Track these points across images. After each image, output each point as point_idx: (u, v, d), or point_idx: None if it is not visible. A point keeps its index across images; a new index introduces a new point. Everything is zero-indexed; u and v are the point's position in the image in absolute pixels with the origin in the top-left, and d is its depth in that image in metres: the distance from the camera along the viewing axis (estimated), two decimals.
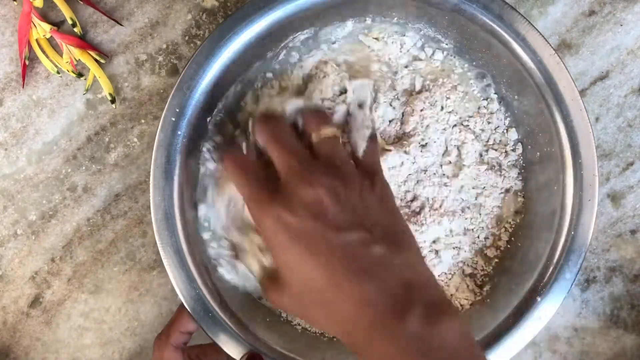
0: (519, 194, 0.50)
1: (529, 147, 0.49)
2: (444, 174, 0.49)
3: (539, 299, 0.45)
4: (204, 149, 0.45)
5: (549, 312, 0.45)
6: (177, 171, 0.44)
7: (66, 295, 0.54)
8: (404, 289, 0.34)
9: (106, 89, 0.52)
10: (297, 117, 0.42)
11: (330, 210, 0.35)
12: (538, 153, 0.48)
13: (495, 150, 0.50)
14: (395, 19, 0.48)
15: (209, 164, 0.45)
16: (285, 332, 0.49)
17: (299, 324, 0.50)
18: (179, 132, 0.44)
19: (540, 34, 0.44)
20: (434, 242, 0.49)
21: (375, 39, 0.49)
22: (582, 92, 0.52)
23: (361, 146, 0.41)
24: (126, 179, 0.53)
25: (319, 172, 0.36)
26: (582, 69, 0.54)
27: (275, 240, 0.36)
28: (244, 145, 0.42)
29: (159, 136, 0.43)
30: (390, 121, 0.49)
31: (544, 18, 0.53)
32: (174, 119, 0.43)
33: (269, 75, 0.48)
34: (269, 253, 0.41)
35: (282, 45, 0.48)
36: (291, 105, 0.42)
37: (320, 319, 0.36)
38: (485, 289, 0.49)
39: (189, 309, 0.44)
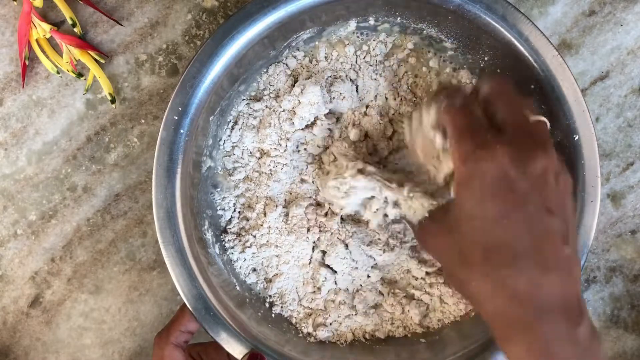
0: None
1: None
2: None
3: None
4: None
5: None
6: (179, 170, 0.44)
7: (66, 295, 0.54)
8: (577, 299, 0.33)
9: (106, 89, 0.52)
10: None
11: (549, 188, 0.34)
12: None
13: None
14: (399, 18, 0.48)
15: None
16: (286, 331, 0.49)
17: (299, 326, 0.50)
18: (182, 131, 0.44)
19: (544, 34, 0.44)
20: None
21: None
22: (582, 92, 0.52)
23: None
24: (126, 179, 0.53)
25: (549, 146, 0.35)
26: (582, 69, 0.54)
27: (484, 180, 0.33)
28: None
29: (161, 134, 0.43)
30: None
31: (544, 18, 0.53)
32: (176, 118, 0.43)
33: None
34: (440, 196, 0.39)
35: (285, 44, 0.48)
36: None
37: (481, 285, 0.34)
38: None
39: (190, 308, 0.44)
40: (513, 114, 0.36)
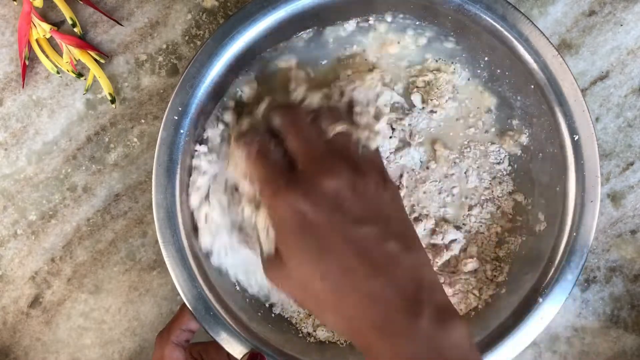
0: (520, 195, 0.50)
1: (532, 148, 0.49)
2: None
3: (540, 299, 0.45)
4: (210, 129, 0.45)
5: (551, 313, 0.45)
6: (179, 170, 0.44)
7: (66, 295, 0.54)
8: (415, 288, 0.34)
9: (106, 89, 0.52)
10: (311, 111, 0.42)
11: (347, 202, 0.35)
12: (540, 154, 0.48)
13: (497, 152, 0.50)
14: (399, 18, 0.48)
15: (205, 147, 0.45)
16: (286, 331, 0.49)
17: (299, 326, 0.50)
18: (182, 131, 0.44)
19: (544, 34, 0.44)
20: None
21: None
22: (582, 92, 0.52)
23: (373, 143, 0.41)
24: (126, 179, 0.53)
25: (339, 163, 0.36)
26: (582, 69, 0.54)
27: (285, 227, 0.35)
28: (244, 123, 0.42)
29: (161, 134, 0.43)
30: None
31: (544, 18, 0.53)
32: (176, 118, 0.43)
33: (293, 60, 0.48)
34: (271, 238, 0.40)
35: (285, 44, 0.48)
36: (312, 98, 0.42)
37: (325, 311, 0.36)
38: (487, 290, 0.49)
39: (190, 308, 0.44)
40: (300, 143, 0.38)
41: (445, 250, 0.49)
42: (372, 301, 0.33)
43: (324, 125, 0.39)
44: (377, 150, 0.41)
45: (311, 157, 0.37)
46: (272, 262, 0.38)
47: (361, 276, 0.34)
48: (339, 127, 0.39)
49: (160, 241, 0.44)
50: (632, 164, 0.55)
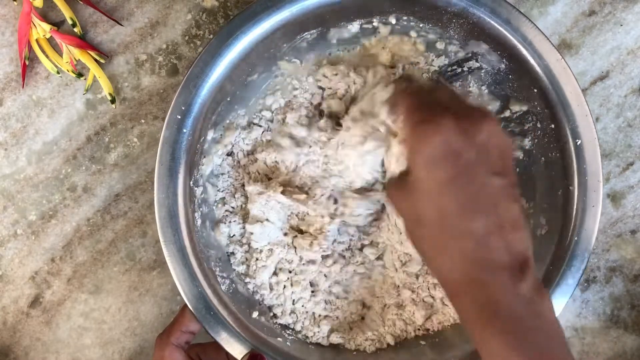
0: (522, 199, 0.49)
1: (534, 152, 0.49)
2: None
3: None
4: None
5: None
6: (181, 169, 0.44)
7: (66, 295, 0.54)
8: (523, 257, 0.35)
9: (106, 89, 0.52)
10: None
11: (493, 153, 0.36)
12: (542, 158, 0.48)
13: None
14: (402, 21, 0.48)
15: None
16: (287, 332, 0.49)
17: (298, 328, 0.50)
18: (184, 130, 0.44)
19: (548, 39, 0.44)
20: None
21: None
22: (582, 92, 0.52)
23: None
24: (126, 179, 0.53)
25: (491, 118, 0.37)
26: (582, 69, 0.54)
27: (431, 154, 0.36)
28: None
29: (164, 133, 0.43)
30: None
31: (544, 18, 0.53)
32: (179, 117, 0.43)
33: None
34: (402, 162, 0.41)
35: (289, 45, 0.48)
36: None
37: (434, 245, 0.37)
38: None
39: (190, 307, 0.44)
40: (457, 98, 0.39)
41: None
42: (487, 251, 0.34)
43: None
44: None
45: (467, 107, 0.38)
46: (396, 183, 0.40)
47: (485, 225, 0.35)
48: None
49: (161, 240, 0.44)
50: (632, 164, 0.55)
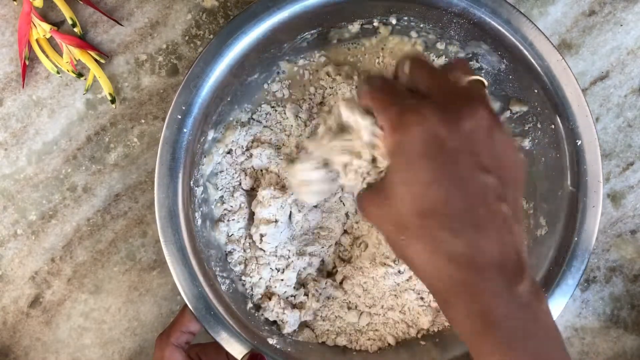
0: (522, 199, 0.49)
1: (534, 152, 0.49)
2: None
3: None
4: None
5: None
6: (181, 169, 0.44)
7: (66, 295, 0.54)
8: (517, 258, 0.32)
9: (106, 89, 0.52)
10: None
11: (479, 146, 0.33)
12: (542, 158, 0.48)
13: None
14: (403, 21, 0.48)
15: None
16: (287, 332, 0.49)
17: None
18: (185, 130, 0.44)
19: (548, 39, 0.44)
20: None
21: None
22: (582, 92, 0.52)
23: None
24: (126, 179, 0.53)
25: (477, 104, 0.33)
26: (582, 69, 0.54)
27: (412, 149, 0.32)
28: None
29: (164, 133, 0.43)
30: None
31: (544, 18, 0.53)
32: (180, 117, 0.43)
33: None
34: (374, 169, 0.38)
35: (289, 45, 0.48)
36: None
37: (418, 249, 0.33)
38: None
39: (190, 307, 0.44)
40: (437, 80, 0.35)
41: None
42: (478, 253, 0.32)
43: (456, 75, 0.36)
44: None
45: (450, 92, 0.34)
46: (367, 195, 0.37)
47: (474, 225, 0.32)
48: (475, 76, 0.36)
49: (161, 240, 0.44)
50: (632, 164, 0.55)
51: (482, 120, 0.33)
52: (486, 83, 0.37)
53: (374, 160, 0.38)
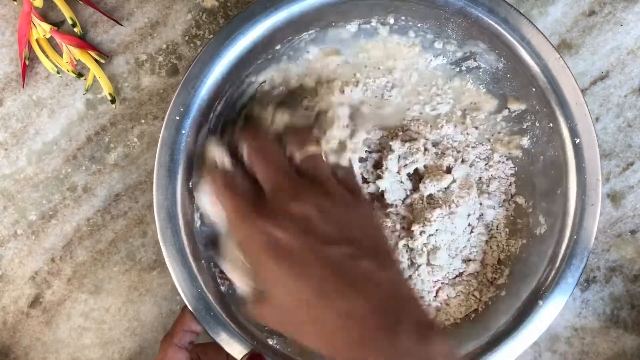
0: (521, 198, 0.50)
1: (532, 151, 0.49)
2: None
3: (540, 302, 0.45)
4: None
5: (551, 315, 0.45)
6: (180, 170, 0.44)
7: (66, 295, 0.54)
8: (393, 305, 0.33)
9: (106, 89, 0.52)
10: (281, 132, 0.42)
11: (318, 225, 0.35)
12: (541, 157, 0.48)
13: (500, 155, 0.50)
14: (401, 21, 0.48)
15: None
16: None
17: None
18: (183, 131, 0.44)
19: (546, 37, 0.44)
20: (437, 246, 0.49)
21: None
22: (582, 92, 0.52)
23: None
24: (126, 179, 0.53)
25: (306, 187, 0.36)
26: (582, 69, 0.54)
27: (260, 256, 0.35)
28: (226, 160, 0.41)
29: (163, 134, 0.43)
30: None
31: (544, 18, 0.53)
32: (178, 118, 0.43)
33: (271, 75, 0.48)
34: (250, 273, 0.40)
35: (288, 45, 0.48)
36: (279, 118, 0.43)
37: (307, 335, 0.36)
38: (486, 293, 0.49)
39: (190, 308, 0.44)
40: (267, 171, 0.38)
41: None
42: (351, 320, 0.33)
43: (291, 149, 0.39)
44: (350, 167, 0.41)
45: (278, 184, 0.37)
46: (253, 299, 0.39)
47: (337, 296, 0.33)
48: (308, 149, 0.39)
49: (161, 241, 0.44)
50: (632, 164, 0.55)
51: (309, 202, 0.35)
52: (320, 151, 0.39)
53: None
